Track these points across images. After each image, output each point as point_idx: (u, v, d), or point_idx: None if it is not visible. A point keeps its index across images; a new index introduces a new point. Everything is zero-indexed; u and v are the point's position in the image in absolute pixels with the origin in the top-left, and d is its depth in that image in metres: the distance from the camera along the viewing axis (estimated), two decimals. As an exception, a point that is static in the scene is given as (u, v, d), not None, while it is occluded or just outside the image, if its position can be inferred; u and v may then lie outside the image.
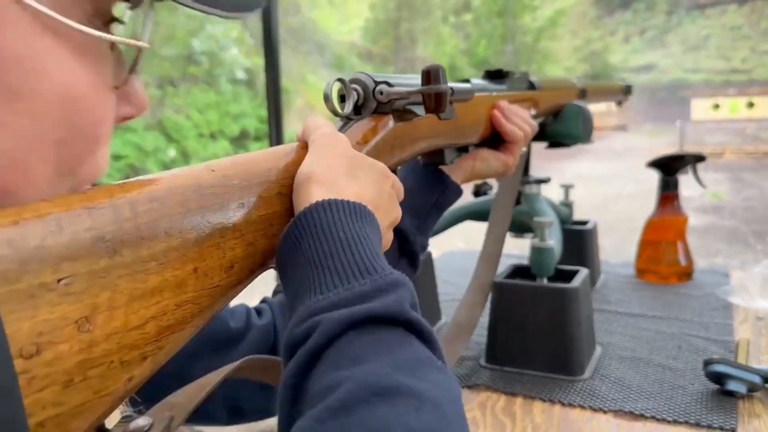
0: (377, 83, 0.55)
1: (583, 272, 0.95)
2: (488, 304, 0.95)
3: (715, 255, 5.71)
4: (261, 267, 0.43)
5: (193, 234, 0.37)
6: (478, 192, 1.20)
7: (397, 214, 0.50)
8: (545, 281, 0.93)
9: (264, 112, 11.09)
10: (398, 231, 0.68)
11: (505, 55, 22.16)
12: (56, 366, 0.29)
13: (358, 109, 0.56)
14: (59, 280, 0.29)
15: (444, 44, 21.04)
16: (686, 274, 1.32)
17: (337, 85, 0.54)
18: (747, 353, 0.89)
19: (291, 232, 0.41)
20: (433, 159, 0.74)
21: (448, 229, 1.28)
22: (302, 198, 0.43)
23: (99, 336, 0.31)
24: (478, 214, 1.24)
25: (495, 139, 0.81)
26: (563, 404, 0.82)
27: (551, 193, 1.27)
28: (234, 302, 0.57)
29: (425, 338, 0.37)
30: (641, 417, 0.78)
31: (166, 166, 9.52)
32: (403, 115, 0.59)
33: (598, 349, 0.97)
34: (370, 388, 0.32)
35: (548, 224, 0.94)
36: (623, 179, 9.28)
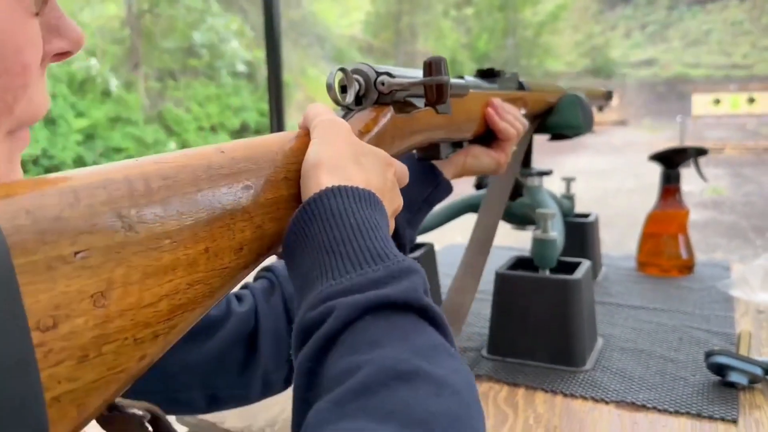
0: (379, 74, 0.55)
1: (586, 264, 0.95)
2: (490, 296, 0.95)
3: (715, 250, 5.71)
4: (268, 251, 0.43)
5: (204, 214, 0.37)
6: (479, 185, 1.21)
7: (399, 202, 0.50)
8: (548, 273, 0.93)
9: (264, 106, 11.12)
10: None
11: (506, 50, 22.12)
12: (72, 340, 0.29)
13: (359, 100, 0.56)
14: (76, 253, 0.29)
15: (445, 38, 21.00)
16: (687, 267, 1.32)
17: (339, 75, 0.54)
18: (748, 345, 0.89)
19: (300, 217, 0.41)
20: (429, 153, 0.74)
21: (449, 221, 1.28)
22: (311, 184, 0.43)
23: (114, 312, 0.31)
24: (478, 206, 1.24)
25: (487, 137, 0.81)
26: (565, 395, 0.82)
27: (552, 186, 1.27)
28: None
29: (438, 324, 0.37)
30: (643, 408, 0.78)
31: (166, 159, 9.48)
32: (402, 107, 0.59)
33: (600, 341, 0.97)
34: (389, 371, 0.32)
35: (551, 216, 0.94)
36: (623, 174, 9.29)
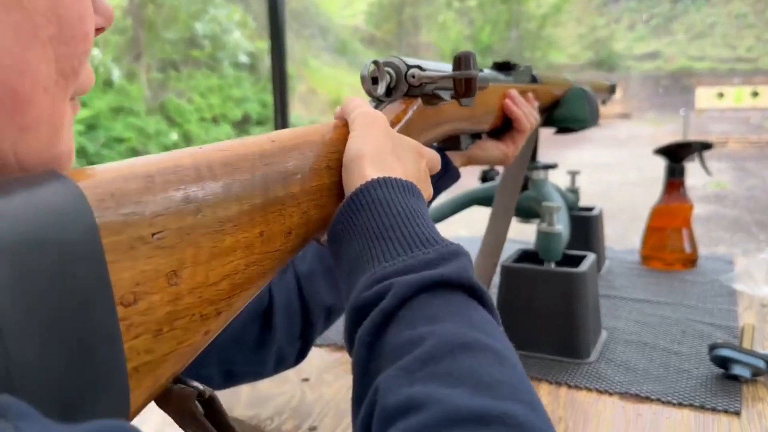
0: (410, 67, 0.57)
1: (591, 257, 0.95)
2: (496, 289, 0.96)
3: (718, 244, 5.72)
4: (311, 235, 0.46)
5: (259, 200, 0.39)
6: (485, 177, 1.21)
7: (429, 191, 0.53)
8: (552, 266, 0.94)
9: (266, 97, 11.11)
10: None
11: (509, 42, 22.06)
12: (149, 315, 0.31)
13: (389, 91, 0.58)
14: (154, 234, 0.31)
15: (448, 30, 20.94)
16: (691, 260, 1.32)
17: (372, 67, 0.56)
18: (752, 338, 0.89)
19: (348, 207, 0.43)
20: (450, 144, 0.77)
21: (455, 214, 1.29)
22: (355, 176, 0.45)
23: (184, 289, 0.33)
24: (484, 199, 1.24)
25: (499, 129, 0.83)
26: (570, 386, 0.83)
27: (557, 179, 1.27)
28: None
29: (485, 303, 0.40)
30: (647, 399, 0.79)
31: (167, 149, 9.42)
32: (430, 99, 0.61)
33: (604, 334, 0.98)
34: (451, 342, 0.34)
35: (556, 209, 0.95)
36: (626, 167, 9.27)
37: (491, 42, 21.62)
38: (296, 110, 11.45)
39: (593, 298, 0.93)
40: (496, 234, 0.94)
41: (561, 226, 0.95)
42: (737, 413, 0.75)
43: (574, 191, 1.34)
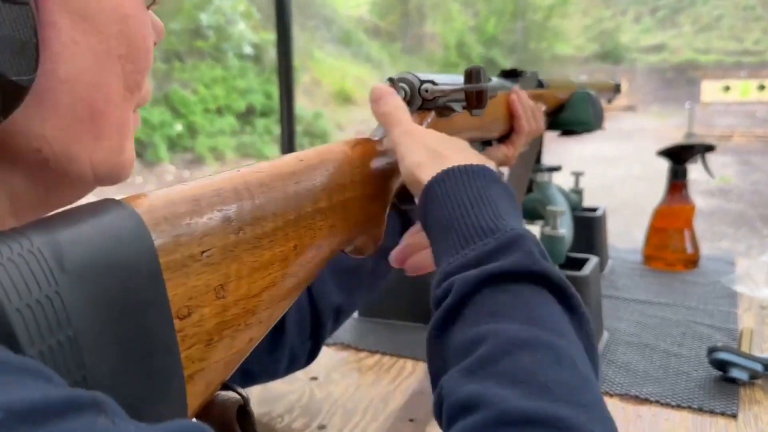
0: (423, 82, 0.60)
1: (593, 260, 0.97)
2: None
3: (721, 239, 5.72)
4: (338, 247, 0.49)
5: (292, 216, 0.42)
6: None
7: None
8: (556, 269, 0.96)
9: (270, 88, 11.10)
10: (404, 213, 0.72)
11: (514, 33, 21.98)
12: (201, 326, 0.34)
13: None
14: (202, 252, 0.34)
15: (453, 21, 20.86)
16: (692, 261, 1.34)
17: (387, 84, 0.60)
18: (750, 342, 0.92)
19: (421, 209, 0.47)
20: None
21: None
22: (416, 187, 0.49)
23: (230, 301, 0.36)
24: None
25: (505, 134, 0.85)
26: (571, 387, 0.85)
27: (561, 179, 1.29)
28: None
29: (555, 288, 0.40)
30: (646, 401, 0.81)
31: (172, 140, 9.53)
32: (442, 111, 0.64)
33: (606, 335, 1.00)
34: (511, 341, 0.35)
35: (560, 213, 0.97)
36: (630, 161, 9.26)
37: (496, 33, 21.55)
38: (300, 101, 11.45)
39: (595, 300, 0.95)
40: None
41: (564, 229, 0.97)
42: (734, 416, 0.77)
43: (577, 192, 1.36)
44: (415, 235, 0.56)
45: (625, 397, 0.82)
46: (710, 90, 12.12)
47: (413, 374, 0.91)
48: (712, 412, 0.78)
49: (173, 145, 9.62)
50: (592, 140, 11.26)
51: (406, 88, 0.60)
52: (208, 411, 0.40)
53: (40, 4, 0.32)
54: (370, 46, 17.42)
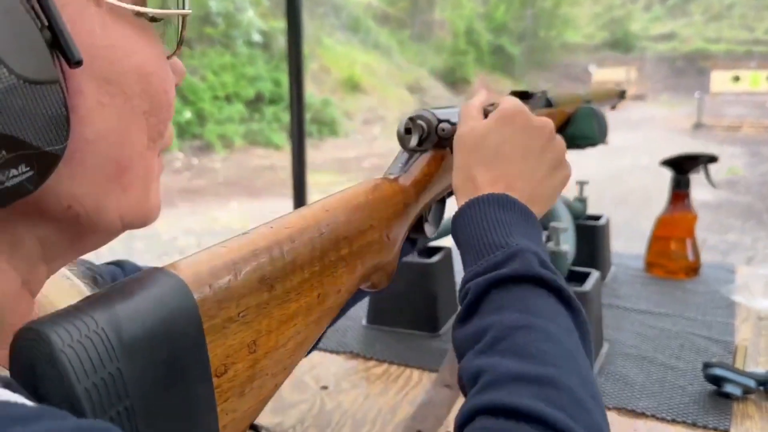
0: (440, 121, 0.64)
1: (595, 275, 1.00)
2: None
3: (728, 231, 5.71)
4: (356, 288, 0.53)
5: (318, 267, 0.45)
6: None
7: (563, 174, 0.64)
8: (558, 282, 0.99)
9: (279, 75, 11.10)
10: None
11: (524, 20, 21.84)
12: (235, 381, 0.37)
13: (420, 141, 0.64)
14: (239, 314, 0.37)
15: (462, 8, 20.75)
16: (693, 269, 1.37)
17: (407, 122, 0.64)
18: (744, 357, 0.95)
19: (453, 228, 0.57)
20: None
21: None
22: (458, 200, 0.60)
23: (260, 355, 0.39)
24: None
25: None
26: (571, 400, 0.89)
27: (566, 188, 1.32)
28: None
29: (551, 289, 0.49)
30: (642, 415, 0.85)
31: (181, 127, 9.57)
32: None
33: (606, 346, 1.04)
34: (509, 325, 0.46)
35: (563, 230, 1.00)
36: (639, 151, 9.24)
37: (506, 20, 21.42)
38: (309, 88, 11.44)
39: (596, 314, 0.99)
40: None
41: (567, 245, 1.00)
42: (726, 431, 0.80)
43: (582, 200, 1.38)
44: None
45: (621, 410, 0.86)
46: (720, 80, 12.06)
47: (420, 384, 0.95)
48: (705, 427, 0.81)
49: (182, 132, 9.66)
50: (600, 130, 11.21)
51: (424, 125, 0.63)
52: None
53: (68, 76, 0.33)
54: (378, 32, 17.36)
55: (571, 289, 0.95)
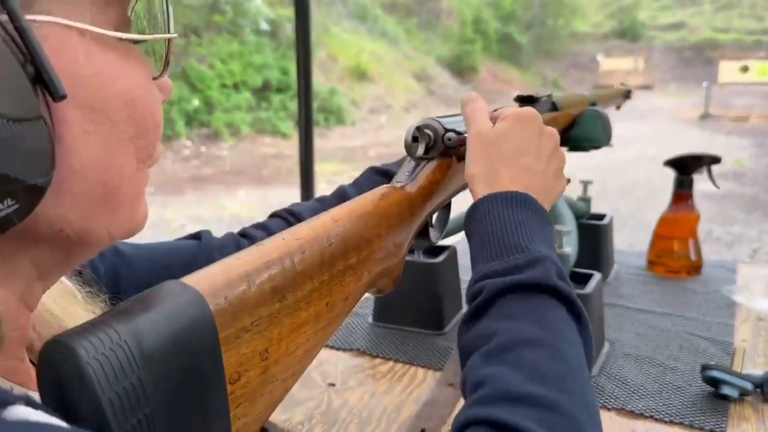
0: (447, 130, 0.65)
1: (596, 277, 1.02)
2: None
3: (733, 223, 5.69)
4: (362, 295, 0.54)
5: (326, 276, 0.47)
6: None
7: (561, 186, 0.65)
8: (560, 284, 1.01)
9: (287, 64, 11.08)
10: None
11: (531, 9, 21.70)
12: (247, 387, 0.39)
13: (427, 149, 0.66)
14: (252, 323, 0.39)
15: (469, -5, 20.64)
16: (695, 268, 1.39)
17: (414, 131, 0.66)
18: (742, 360, 0.97)
19: (467, 218, 0.57)
20: None
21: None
22: (470, 190, 0.60)
23: (272, 362, 0.41)
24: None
25: None
26: (571, 400, 0.91)
27: (569, 188, 1.34)
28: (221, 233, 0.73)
29: (563, 300, 0.49)
30: (641, 416, 0.87)
31: (189, 115, 9.59)
32: (463, 155, 0.68)
33: (606, 346, 1.06)
34: (520, 337, 0.46)
35: (566, 233, 1.02)
36: (645, 141, 9.20)
37: (514, 8, 21.30)
38: (316, 77, 11.42)
39: (598, 314, 1.01)
40: None
41: (569, 248, 1.02)
42: (722, 432, 0.83)
43: (585, 200, 1.40)
44: None
45: (620, 411, 0.88)
46: (728, 70, 11.99)
47: (424, 382, 0.97)
48: (702, 429, 0.83)
49: (190, 120, 9.68)
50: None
51: (431, 134, 0.65)
52: None
53: (53, 108, 0.33)
54: (386, 21, 17.29)
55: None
